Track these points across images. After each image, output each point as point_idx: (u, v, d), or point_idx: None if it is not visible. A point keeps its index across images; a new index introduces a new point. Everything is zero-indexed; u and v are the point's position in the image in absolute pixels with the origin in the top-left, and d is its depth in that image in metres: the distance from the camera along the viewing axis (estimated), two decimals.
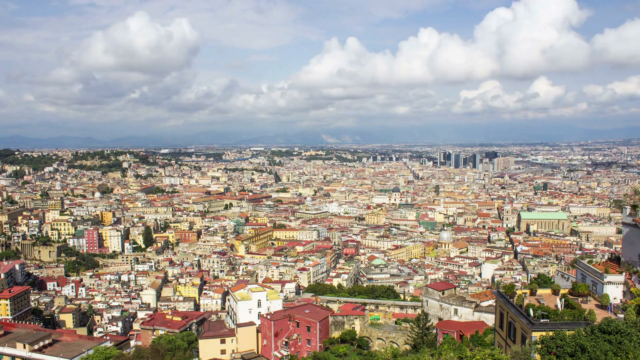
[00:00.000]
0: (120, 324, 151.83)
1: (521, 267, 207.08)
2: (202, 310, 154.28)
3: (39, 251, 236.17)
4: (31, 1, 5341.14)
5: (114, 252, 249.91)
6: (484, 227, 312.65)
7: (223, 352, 76.24)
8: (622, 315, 39.04)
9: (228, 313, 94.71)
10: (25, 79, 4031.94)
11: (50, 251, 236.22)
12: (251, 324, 79.75)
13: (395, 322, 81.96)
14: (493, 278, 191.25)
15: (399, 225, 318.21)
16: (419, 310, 78.43)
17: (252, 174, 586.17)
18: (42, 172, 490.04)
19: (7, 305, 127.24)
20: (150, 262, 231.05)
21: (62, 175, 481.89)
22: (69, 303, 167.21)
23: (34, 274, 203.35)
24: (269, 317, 76.96)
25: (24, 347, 68.10)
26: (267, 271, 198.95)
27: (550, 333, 35.62)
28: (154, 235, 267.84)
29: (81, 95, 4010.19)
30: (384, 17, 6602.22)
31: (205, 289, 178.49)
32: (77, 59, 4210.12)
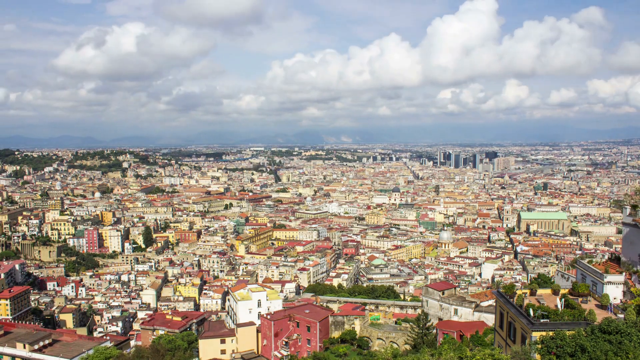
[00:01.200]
0: (120, 324, 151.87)
1: (521, 267, 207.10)
2: (202, 310, 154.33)
3: (39, 251, 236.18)
4: (69, 14, 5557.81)
5: (114, 252, 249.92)
6: (484, 227, 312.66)
7: (223, 352, 76.23)
8: (622, 315, 39.03)
9: (228, 313, 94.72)
10: (26, 83, 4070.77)
11: (50, 251, 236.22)
12: (251, 324, 79.74)
13: (395, 322, 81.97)
14: (493, 278, 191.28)
15: (399, 225, 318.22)
16: (419, 310, 78.44)
17: (252, 174, 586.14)
18: (42, 172, 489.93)
19: (7, 305, 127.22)
20: (150, 262, 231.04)
21: (62, 175, 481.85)
22: (69, 303, 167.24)
23: (34, 274, 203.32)
24: (269, 317, 76.96)
25: (24, 347, 68.12)
26: (267, 271, 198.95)
27: (550, 333, 35.62)
28: (154, 235, 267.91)
29: (85, 96, 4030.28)
30: (395, 27, 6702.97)
31: (205, 289, 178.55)
32: (78, 61, 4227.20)
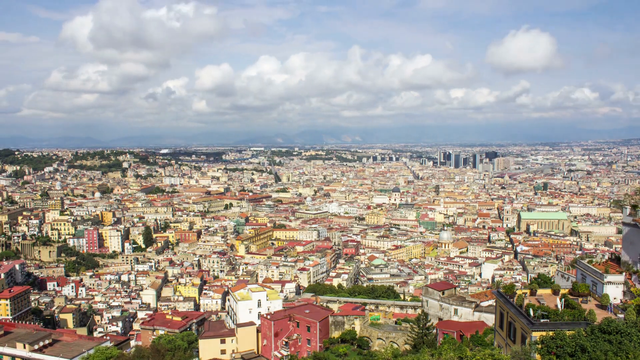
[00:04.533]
0: (120, 324, 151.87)
1: (521, 267, 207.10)
2: (202, 310, 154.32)
3: (39, 251, 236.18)
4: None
5: (114, 252, 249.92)
6: (484, 227, 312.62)
7: (223, 352, 76.24)
8: (622, 315, 39.04)
9: (228, 313, 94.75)
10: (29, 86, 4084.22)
11: (50, 251, 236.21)
12: (251, 324, 79.75)
13: (395, 322, 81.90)
14: (493, 278, 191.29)
15: (399, 225, 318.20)
16: (419, 310, 78.40)
17: (252, 174, 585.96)
18: (42, 172, 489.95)
19: (7, 305, 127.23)
20: (150, 262, 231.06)
21: (62, 175, 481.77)
22: (69, 303, 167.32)
23: (34, 274, 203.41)
24: (269, 317, 76.95)
25: (24, 347, 68.12)
26: (267, 271, 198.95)
27: (550, 333, 35.65)
28: (154, 235, 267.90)
29: (89, 97, 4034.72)
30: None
31: (205, 289, 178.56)
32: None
